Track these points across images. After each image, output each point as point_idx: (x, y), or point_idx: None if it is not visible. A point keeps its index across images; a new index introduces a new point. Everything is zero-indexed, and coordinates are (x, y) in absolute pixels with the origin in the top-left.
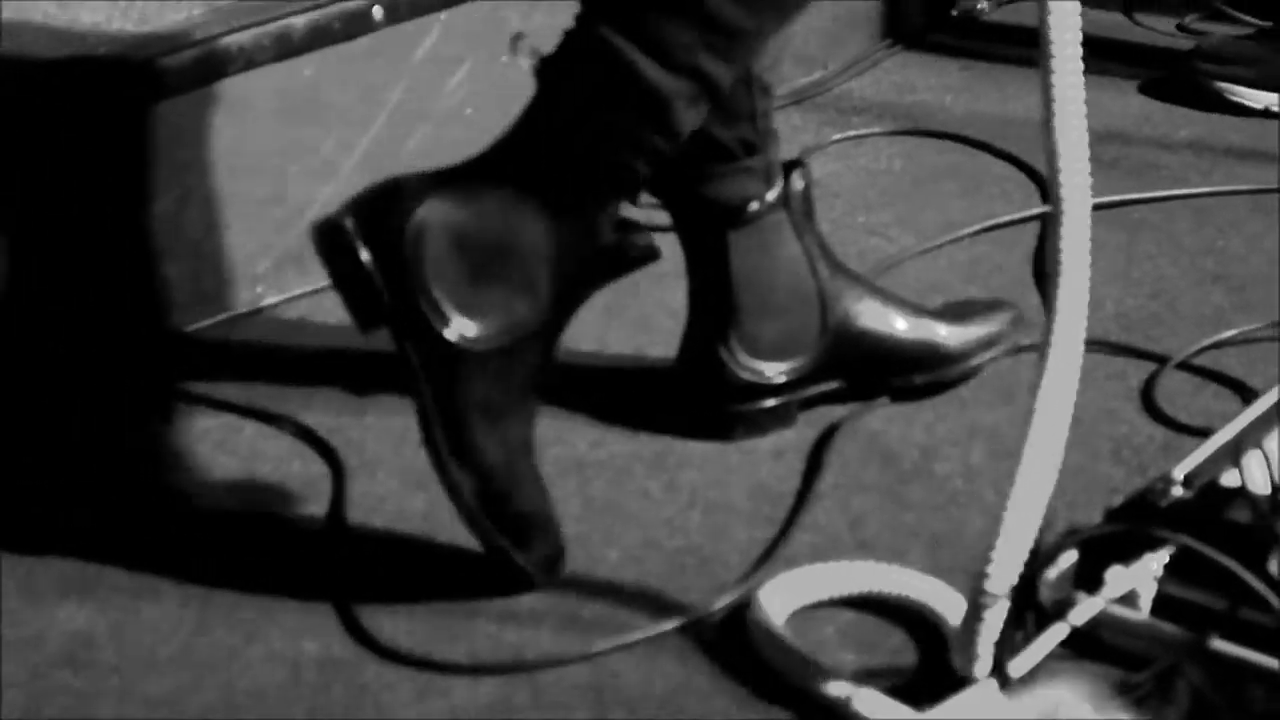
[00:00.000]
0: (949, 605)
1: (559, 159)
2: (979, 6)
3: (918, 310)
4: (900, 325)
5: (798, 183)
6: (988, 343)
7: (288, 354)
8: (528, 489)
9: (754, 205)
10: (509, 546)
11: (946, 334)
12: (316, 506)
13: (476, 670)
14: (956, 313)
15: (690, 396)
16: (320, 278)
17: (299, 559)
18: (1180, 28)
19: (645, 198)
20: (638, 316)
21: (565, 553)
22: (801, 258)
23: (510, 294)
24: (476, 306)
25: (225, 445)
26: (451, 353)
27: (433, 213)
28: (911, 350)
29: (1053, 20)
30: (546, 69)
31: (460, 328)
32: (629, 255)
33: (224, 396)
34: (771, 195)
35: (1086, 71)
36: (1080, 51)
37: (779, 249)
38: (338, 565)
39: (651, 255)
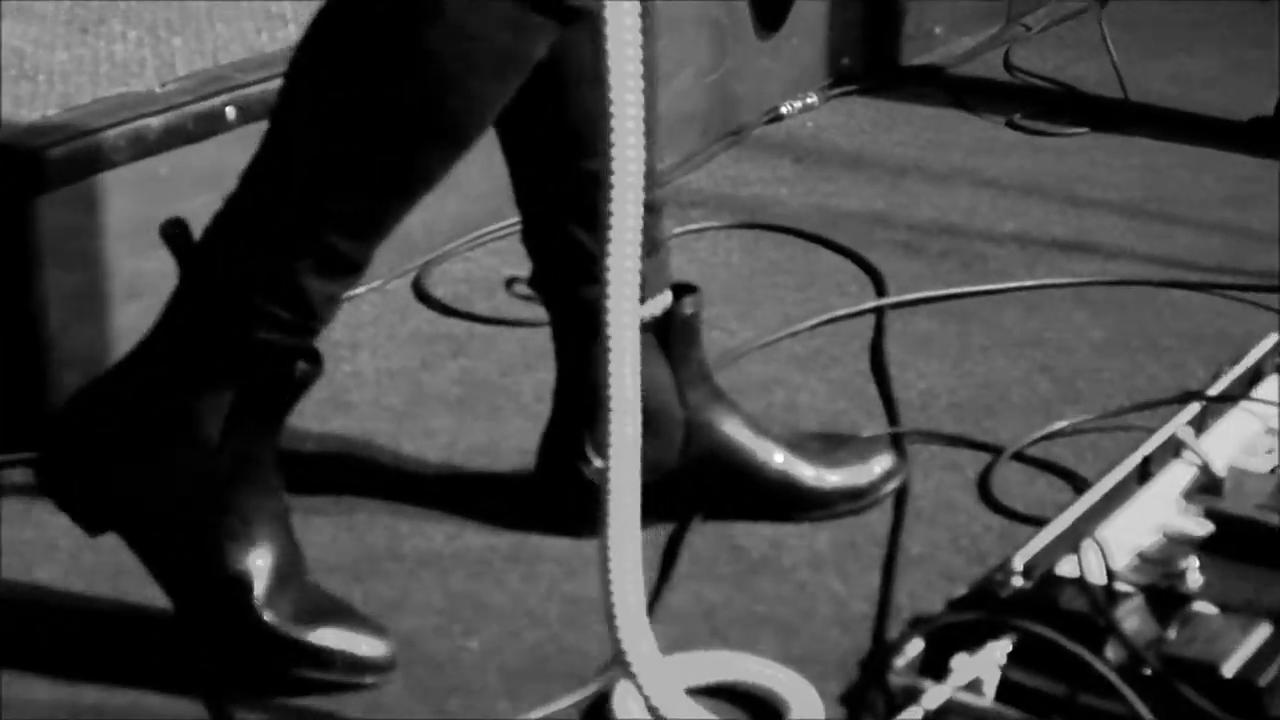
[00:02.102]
0: (796, 693)
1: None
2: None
3: (791, 446)
4: (766, 464)
5: (686, 309)
6: (852, 494)
7: None
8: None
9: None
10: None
11: (812, 477)
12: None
13: None
14: (830, 452)
15: (544, 492)
16: None
17: (167, 652)
18: (1010, 124)
19: (525, 290)
20: (488, 410)
21: (375, 654)
22: (669, 384)
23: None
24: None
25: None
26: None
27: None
28: (772, 492)
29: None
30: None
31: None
32: (288, 386)
33: None
34: (641, 311)
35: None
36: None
37: (645, 370)
38: (205, 661)
39: (309, 379)
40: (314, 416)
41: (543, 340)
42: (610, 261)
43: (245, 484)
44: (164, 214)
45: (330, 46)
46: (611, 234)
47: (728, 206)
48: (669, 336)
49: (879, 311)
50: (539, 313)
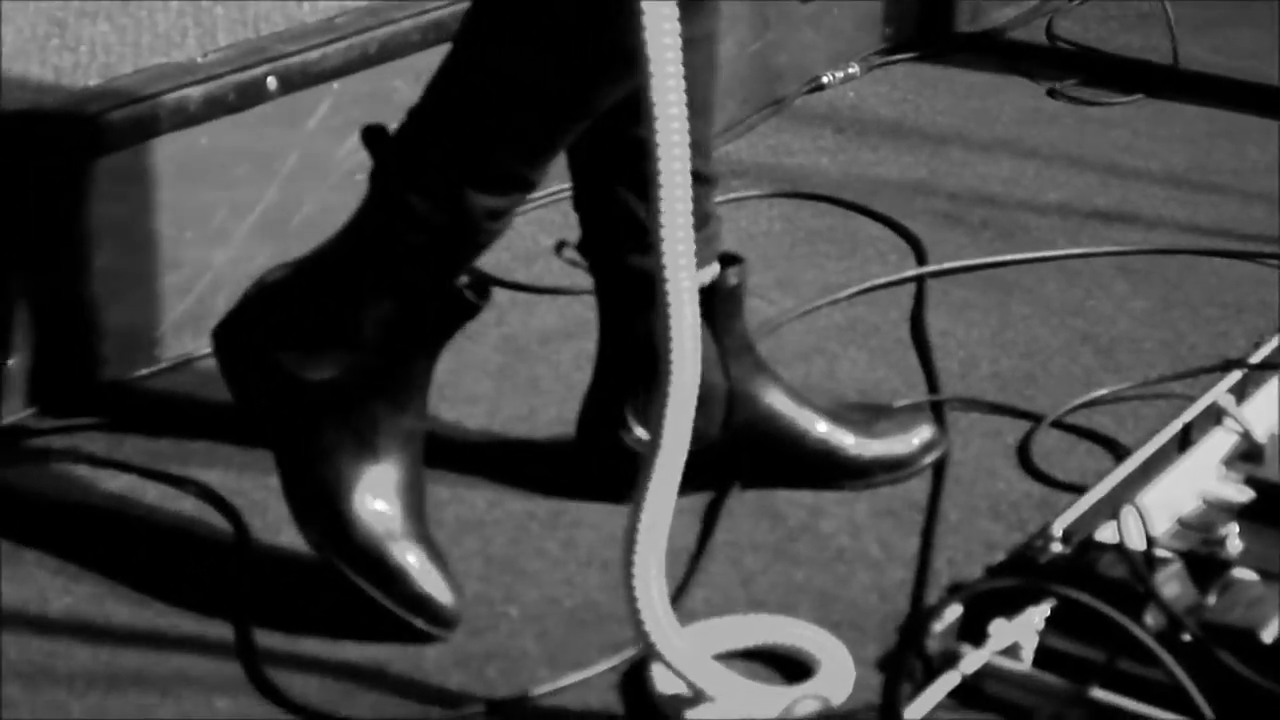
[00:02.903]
0: (825, 649)
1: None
2: (824, 80)
3: (832, 416)
4: (807, 434)
5: (730, 280)
6: (892, 465)
7: (198, 411)
8: (373, 530)
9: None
10: (367, 586)
11: (853, 446)
12: (222, 567)
13: None
14: (871, 422)
15: (584, 460)
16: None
17: (207, 619)
18: (1051, 93)
19: (573, 255)
20: (528, 379)
21: (442, 599)
22: (713, 355)
23: (346, 350)
24: (317, 360)
25: (130, 505)
26: (302, 394)
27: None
28: (812, 461)
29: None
30: (371, 186)
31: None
32: (455, 311)
33: (131, 454)
34: None
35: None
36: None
37: None
38: (245, 624)
39: (474, 308)
40: None
41: (582, 309)
42: (664, 233)
43: (388, 397)
44: (204, 186)
45: None
46: (662, 205)
47: (769, 176)
48: (713, 307)
49: (920, 280)
50: (579, 281)
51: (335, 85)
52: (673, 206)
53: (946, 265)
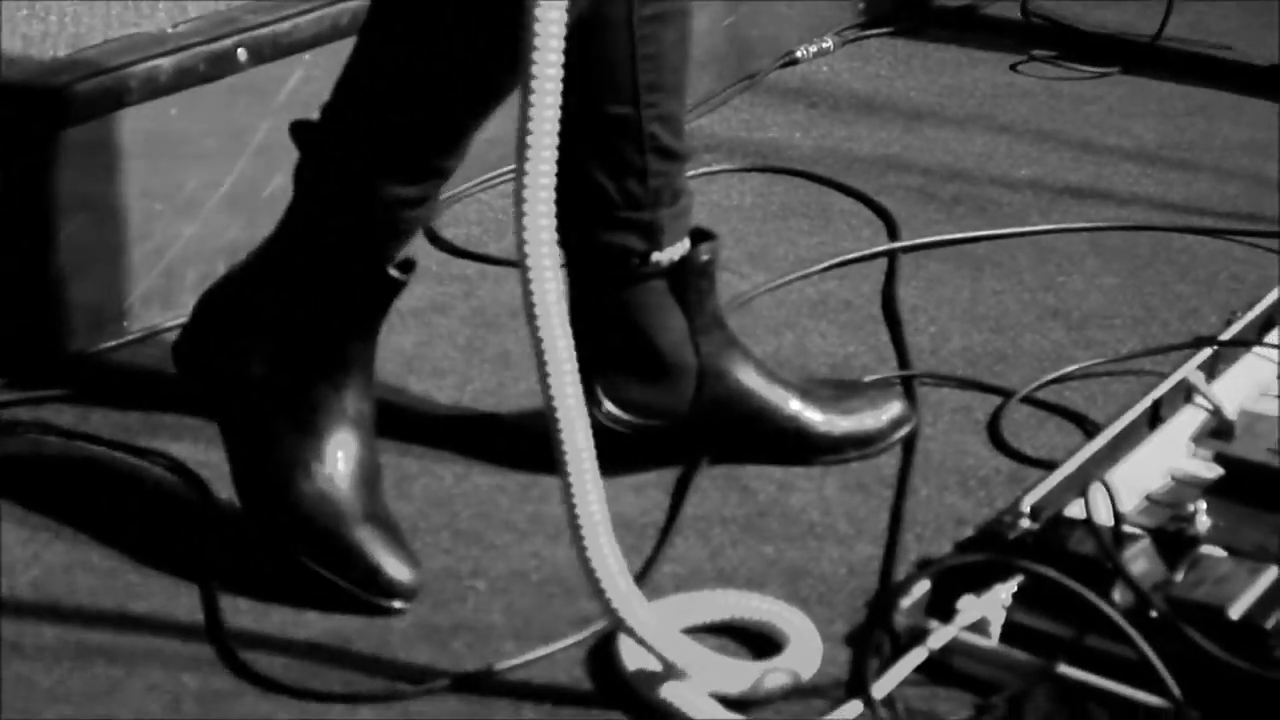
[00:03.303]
0: (792, 624)
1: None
2: (797, 55)
3: (802, 393)
4: (778, 411)
5: (701, 256)
6: (861, 441)
7: (166, 383)
8: (321, 511)
9: (633, 261)
10: (320, 568)
11: (822, 423)
12: (188, 540)
13: (352, 699)
14: (841, 399)
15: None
16: (185, 314)
17: (174, 592)
18: (1013, 68)
19: None
20: (497, 352)
21: (395, 574)
22: (683, 331)
23: (283, 338)
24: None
25: (98, 477)
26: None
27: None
28: (782, 437)
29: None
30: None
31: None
32: (382, 291)
33: (99, 425)
34: (657, 258)
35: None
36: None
37: (659, 317)
38: (212, 598)
39: (399, 284)
40: None
41: None
42: (526, 208)
43: (326, 380)
44: (174, 158)
45: None
46: (527, 180)
47: (741, 150)
48: (684, 283)
49: (891, 255)
50: None
51: (306, 57)
52: (537, 180)
53: (918, 240)
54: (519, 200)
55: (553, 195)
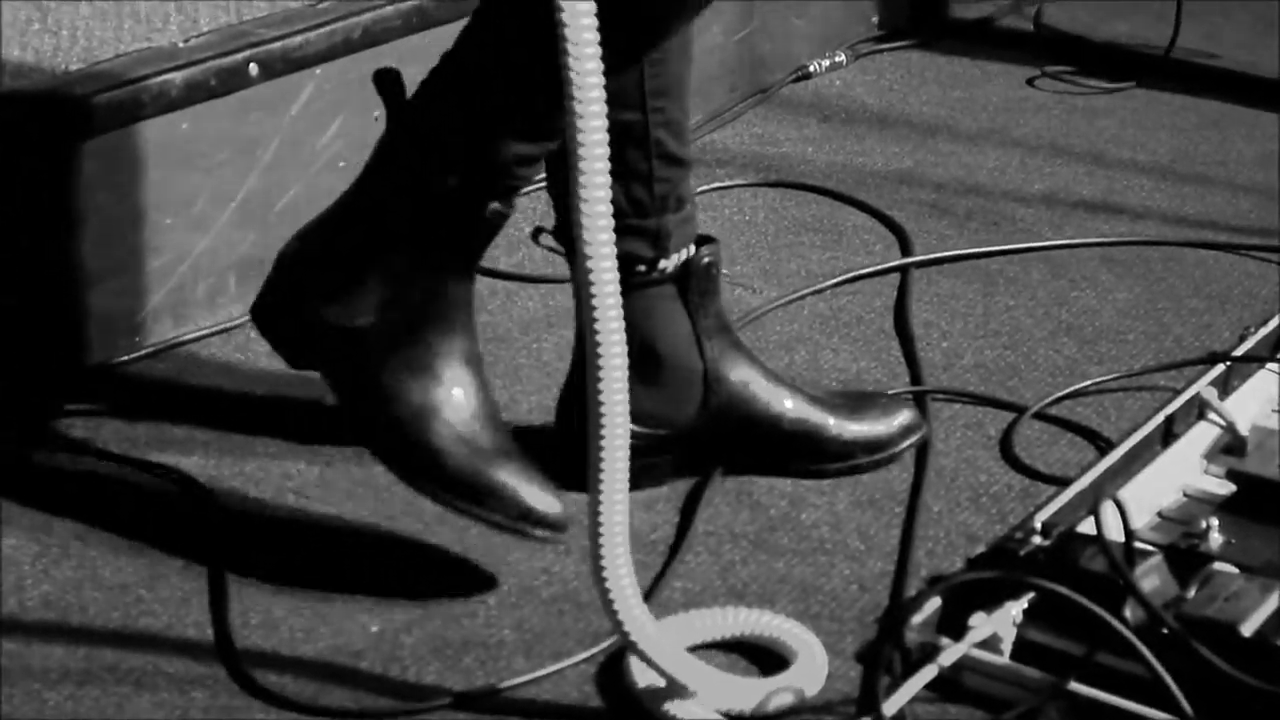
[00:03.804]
0: (808, 649)
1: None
2: (810, 69)
3: (811, 398)
4: (784, 415)
5: (703, 259)
6: (871, 446)
7: (178, 397)
8: (460, 455)
9: (640, 268)
10: (472, 510)
11: (832, 426)
12: (198, 556)
13: (361, 715)
14: (851, 406)
15: (562, 449)
16: (196, 328)
17: (183, 608)
18: (1030, 82)
19: (550, 241)
20: (509, 367)
21: (546, 508)
22: (689, 336)
23: (384, 288)
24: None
25: (107, 493)
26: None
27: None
28: (792, 440)
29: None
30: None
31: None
32: (485, 229)
33: (110, 439)
34: (664, 264)
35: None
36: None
37: (666, 322)
38: (221, 614)
39: (503, 217)
40: None
41: (564, 298)
42: (585, 221)
43: (436, 320)
44: (186, 171)
45: None
46: (582, 194)
47: (754, 165)
48: (688, 287)
49: (904, 270)
50: (561, 269)
51: (317, 71)
52: (594, 194)
53: (931, 255)
54: (577, 213)
55: (610, 208)
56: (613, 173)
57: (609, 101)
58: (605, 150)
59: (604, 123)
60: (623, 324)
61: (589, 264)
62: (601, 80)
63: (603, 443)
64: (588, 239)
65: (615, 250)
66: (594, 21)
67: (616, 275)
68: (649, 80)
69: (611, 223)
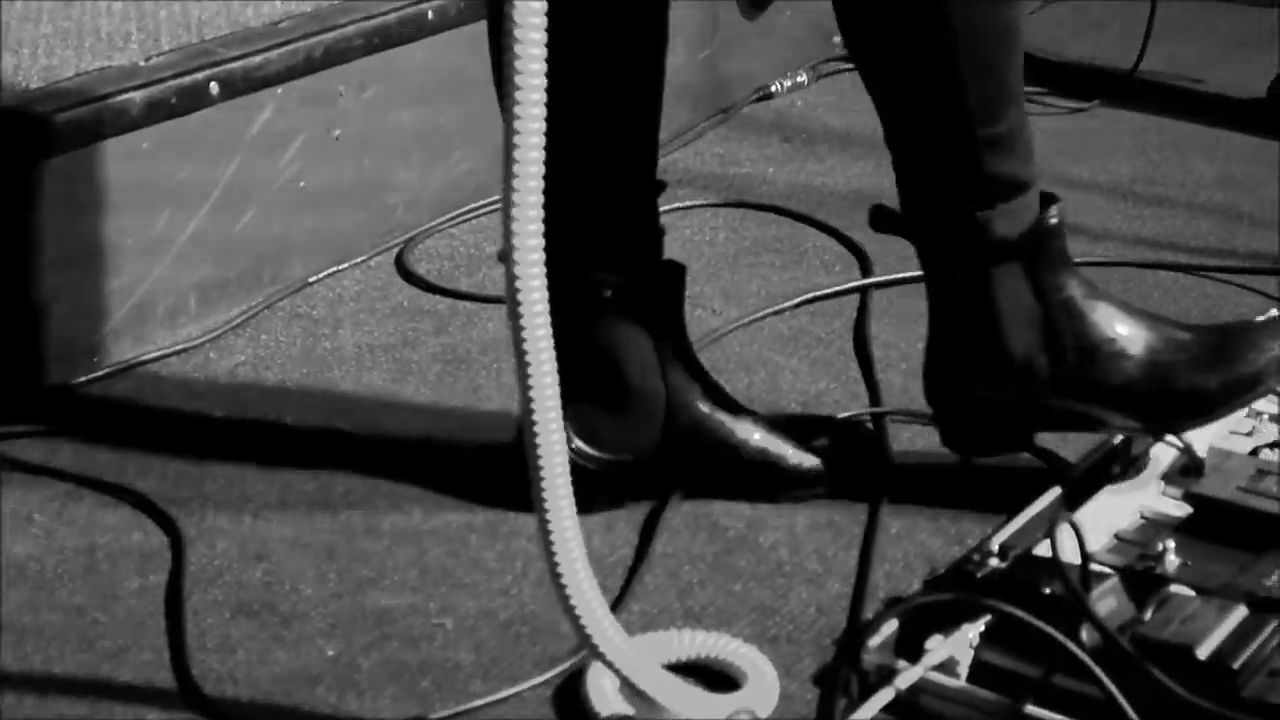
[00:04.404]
0: (759, 670)
1: None
2: (772, 89)
3: (771, 425)
4: (745, 443)
5: (667, 285)
6: (831, 476)
7: (137, 418)
8: None
9: (606, 292)
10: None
11: (791, 456)
12: (156, 577)
13: None
14: (813, 435)
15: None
16: (155, 347)
17: (139, 630)
18: None
19: None
20: (469, 388)
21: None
22: (653, 360)
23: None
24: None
25: (64, 514)
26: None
27: None
28: (751, 471)
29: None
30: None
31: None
32: None
33: (68, 461)
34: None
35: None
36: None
37: (630, 346)
38: (179, 636)
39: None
40: (294, 391)
41: None
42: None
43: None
44: (146, 191)
45: None
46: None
47: (715, 184)
48: (652, 311)
49: (864, 291)
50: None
51: (279, 91)
52: (525, 213)
53: (891, 276)
54: (508, 232)
55: (541, 227)
56: (601, 200)
57: (603, 125)
58: (541, 159)
59: (542, 127)
60: (550, 333)
61: (516, 270)
62: (543, 84)
63: (539, 450)
64: (517, 251)
65: (543, 267)
66: (543, 21)
67: (545, 284)
68: None
69: (542, 236)
